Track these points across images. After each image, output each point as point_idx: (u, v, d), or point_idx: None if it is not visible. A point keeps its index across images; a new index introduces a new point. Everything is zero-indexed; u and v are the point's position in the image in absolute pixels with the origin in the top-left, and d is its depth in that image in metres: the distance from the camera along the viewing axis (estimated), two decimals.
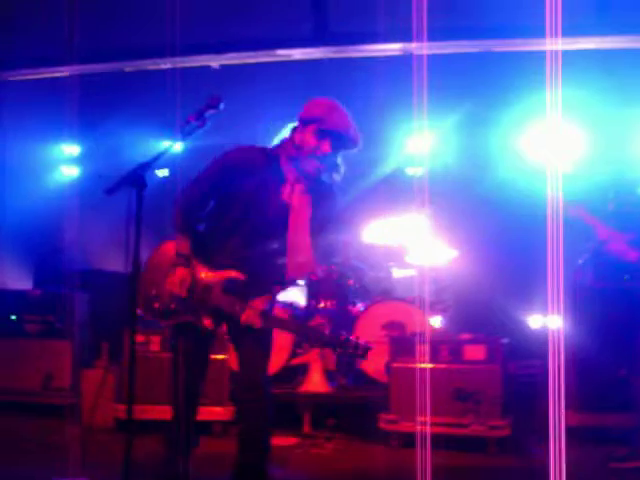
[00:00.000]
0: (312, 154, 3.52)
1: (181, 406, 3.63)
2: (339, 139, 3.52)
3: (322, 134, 3.50)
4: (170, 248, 3.67)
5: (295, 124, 3.62)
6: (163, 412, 4.99)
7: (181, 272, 3.55)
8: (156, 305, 3.63)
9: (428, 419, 4.53)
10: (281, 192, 3.59)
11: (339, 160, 3.63)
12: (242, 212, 3.57)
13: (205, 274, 3.58)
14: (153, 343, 5.46)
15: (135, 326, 3.21)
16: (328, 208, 3.68)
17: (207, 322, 3.57)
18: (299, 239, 3.56)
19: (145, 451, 3.39)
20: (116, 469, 3.05)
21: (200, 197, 3.65)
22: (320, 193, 3.64)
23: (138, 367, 3.22)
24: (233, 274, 3.56)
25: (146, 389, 4.97)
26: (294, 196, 3.58)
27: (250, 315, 3.49)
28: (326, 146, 3.51)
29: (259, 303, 3.53)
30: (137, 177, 2.97)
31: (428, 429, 4.37)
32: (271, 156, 3.61)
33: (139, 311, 3.64)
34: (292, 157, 3.57)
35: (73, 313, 6.38)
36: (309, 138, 3.52)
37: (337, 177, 3.67)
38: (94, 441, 4.82)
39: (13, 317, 6.42)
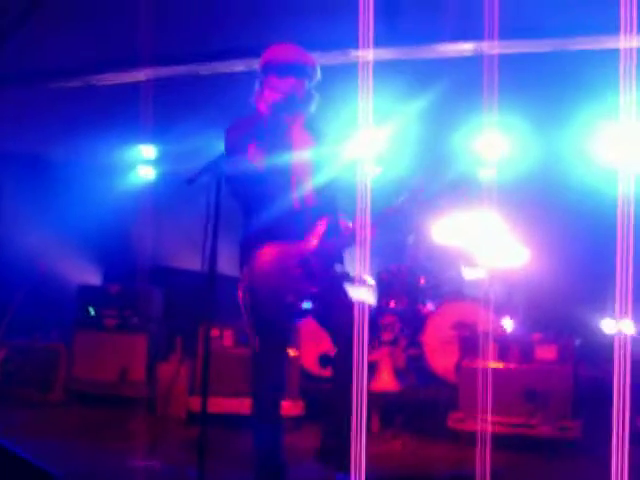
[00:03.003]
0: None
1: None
2: (283, 68, 3.59)
3: (265, 70, 3.64)
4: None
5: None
6: (234, 405, 5.21)
7: None
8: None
9: (489, 418, 4.52)
10: None
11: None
12: None
13: None
14: (226, 338, 5.60)
15: (211, 321, 3.29)
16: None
17: None
18: None
19: (216, 441, 3.48)
20: (188, 456, 3.12)
21: None
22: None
23: (211, 361, 3.30)
24: None
25: (218, 383, 5.09)
26: None
27: None
28: (273, 79, 3.59)
29: None
30: (216, 167, 3.05)
31: (489, 428, 4.35)
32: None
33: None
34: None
35: (148, 308, 6.56)
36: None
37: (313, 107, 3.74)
38: (166, 431, 4.98)
39: (92, 311, 6.63)
